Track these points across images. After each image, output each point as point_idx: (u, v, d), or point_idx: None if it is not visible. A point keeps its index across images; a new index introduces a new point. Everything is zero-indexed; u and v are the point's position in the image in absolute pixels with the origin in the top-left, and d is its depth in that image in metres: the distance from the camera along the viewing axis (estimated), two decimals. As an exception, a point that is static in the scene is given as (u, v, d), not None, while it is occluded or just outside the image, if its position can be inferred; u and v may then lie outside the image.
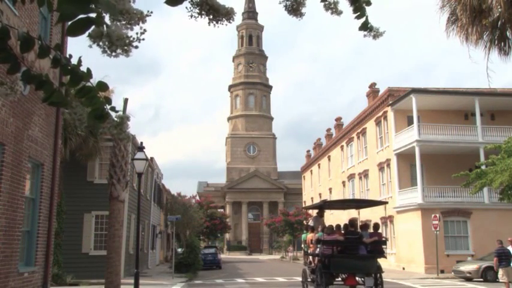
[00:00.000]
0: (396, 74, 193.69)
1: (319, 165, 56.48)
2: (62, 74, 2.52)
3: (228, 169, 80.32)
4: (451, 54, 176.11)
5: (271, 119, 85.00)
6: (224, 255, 58.09)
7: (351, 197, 40.98)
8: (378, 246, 14.99)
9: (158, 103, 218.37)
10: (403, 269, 30.73)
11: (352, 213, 34.85)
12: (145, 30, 1.93)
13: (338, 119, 52.03)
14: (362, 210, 32.86)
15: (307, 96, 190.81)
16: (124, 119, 2.20)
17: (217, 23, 2.32)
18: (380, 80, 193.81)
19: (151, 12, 1.96)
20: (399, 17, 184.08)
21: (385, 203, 21.15)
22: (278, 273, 30.33)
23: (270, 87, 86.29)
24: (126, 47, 1.87)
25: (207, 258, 36.01)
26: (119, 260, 12.65)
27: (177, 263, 28.51)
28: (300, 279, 18.13)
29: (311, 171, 60.79)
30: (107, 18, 1.86)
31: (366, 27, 2.65)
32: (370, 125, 38.45)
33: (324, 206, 18.76)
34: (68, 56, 2.15)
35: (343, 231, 15.38)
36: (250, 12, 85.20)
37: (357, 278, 15.01)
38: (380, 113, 35.69)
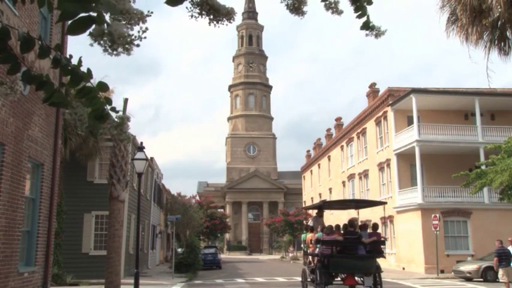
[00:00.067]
0: (396, 74, 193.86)
1: (319, 165, 56.49)
2: (62, 75, 2.52)
3: (228, 169, 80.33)
4: (451, 54, 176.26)
5: (271, 119, 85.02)
6: (224, 255, 58.09)
7: (351, 197, 40.98)
8: (376, 246, 15.04)
9: (158, 103, 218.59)
10: (403, 269, 30.74)
11: (351, 213, 34.81)
12: (147, 29, 1.93)
13: (338, 119, 52.03)
14: (362, 211, 32.62)
15: (307, 96, 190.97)
16: (124, 119, 2.20)
17: (217, 23, 2.32)
18: (380, 80, 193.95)
19: (152, 12, 1.96)
20: (399, 17, 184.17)
21: (384, 203, 21.15)
22: (278, 273, 30.33)
23: (270, 87, 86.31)
24: (127, 46, 1.87)
25: (207, 258, 36.00)
26: (119, 260, 12.65)
27: (177, 263, 28.52)
28: (299, 279, 18.14)
29: (311, 171, 60.80)
30: (107, 17, 1.86)
31: (367, 26, 2.65)
32: (370, 125, 38.45)
33: (323, 206, 18.77)
34: (68, 56, 2.15)
35: (342, 232, 15.41)
36: (250, 12, 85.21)
37: (356, 278, 15.04)
38: (380, 113, 35.69)
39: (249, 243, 73.98)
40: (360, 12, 2.59)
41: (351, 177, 43.31)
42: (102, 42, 1.84)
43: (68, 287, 19.49)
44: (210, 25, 2.31)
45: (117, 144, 13.45)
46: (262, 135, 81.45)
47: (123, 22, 1.88)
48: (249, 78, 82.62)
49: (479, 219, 28.99)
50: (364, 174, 39.62)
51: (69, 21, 1.85)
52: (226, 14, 2.29)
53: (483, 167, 23.41)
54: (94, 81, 2.15)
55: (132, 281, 17.18)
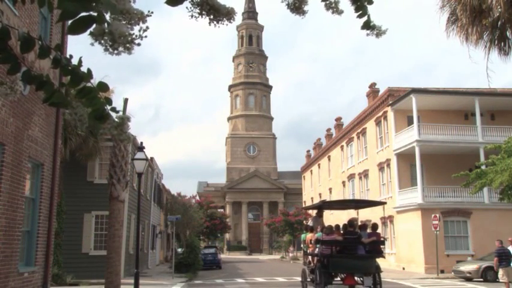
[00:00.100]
0: (396, 74, 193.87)
1: (319, 165, 56.49)
2: (62, 75, 2.52)
3: (228, 169, 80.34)
4: (451, 54, 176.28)
5: (271, 119, 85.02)
6: (224, 255, 58.09)
7: (351, 197, 41.00)
8: (376, 246, 15.08)
9: (158, 103, 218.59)
10: (403, 269, 30.74)
11: (351, 213, 34.85)
12: (147, 27, 1.93)
13: (338, 119, 52.03)
14: (362, 211, 32.78)
15: (307, 96, 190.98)
16: (124, 119, 2.20)
17: (217, 23, 2.31)
18: (380, 80, 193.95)
19: (152, 12, 1.96)
20: (399, 17, 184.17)
21: (384, 203, 21.24)
22: (278, 273, 30.33)
23: (270, 87, 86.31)
24: (128, 45, 1.87)
25: (207, 258, 36.01)
26: (119, 260, 12.65)
27: (177, 263, 28.51)
28: (299, 279, 18.16)
29: (311, 171, 60.80)
30: (107, 16, 1.86)
31: (368, 26, 2.64)
32: (370, 125, 38.45)
33: (323, 206, 18.79)
34: (68, 56, 2.15)
35: (342, 232, 15.43)
36: (250, 12, 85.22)
37: (356, 278, 15.06)
38: (380, 113, 35.69)
39: (249, 243, 73.98)
40: (360, 11, 2.59)
41: (351, 177, 43.31)
42: (103, 41, 1.84)
43: (68, 287, 19.48)
44: (210, 25, 2.30)
45: (117, 144, 13.45)
46: (262, 135, 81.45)
47: (124, 22, 1.88)
48: (249, 78, 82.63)
49: (479, 219, 28.98)
50: (364, 174, 39.62)
51: (70, 21, 1.85)
52: (227, 14, 2.29)
53: (483, 167, 23.41)
54: (94, 81, 2.15)
55: (132, 281, 17.18)
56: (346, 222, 16.66)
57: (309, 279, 16.39)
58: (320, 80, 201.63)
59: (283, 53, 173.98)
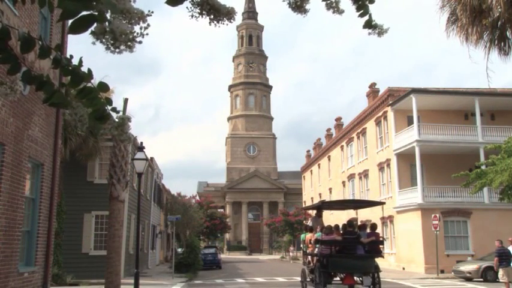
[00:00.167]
0: (396, 74, 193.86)
1: (319, 165, 56.49)
2: (63, 75, 2.52)
3: (228, 169, 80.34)
4: (451, 54, 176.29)
5: (271, 119, 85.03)
6: (224, 255, 58.09)
7: (351, 197, 41.01)
8: (375, 246, 15.16)
9: (158, 103, 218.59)
10: (403, 269, 30.74)
11: (351, 213, 34.86)
12: (148, 25, 1.93)
13: (338, 119, 52.02)
14: (362, 211, 32.86)
15: (307, 96, 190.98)
16: (125, 119, 2.20)
17: (218, 22, 2.31)
18: (380, 80, 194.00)
19: (152, 12, 1.96)
20: (399, 17, 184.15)
21: (383, 203, 21.26)
22: (278, 273, 30.33)
23: (270, 87, 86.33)
24: (129, 43, 1.87)
25: (207, 258, 36.00)
26: (119, 260, 12.64)
27: (177, 263, 28.51)
28: (299, 279, 18.18)
29: (311, 171, 60.80)
30: (108, 15, 1.86)
31: (369, 25, 2.64)
32: (370, 125, 38.45)
33: (322, 206, 18.82)
34: (68, 56, 2.15)
35: (341, 232, 15.47)
36: (250, 12, 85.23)
37: (355, 278, 15.09)
38: (380, 113, 35.69)
39: (249, 243, 73.98)
40: (362, 11, 2.59)
41: (351, 177, 43.31)
42: (104, 40, 1.84)
43: (68, 287, 19.48)
44: (210, 25, 2.30)
45: (117, 144, 13.45)
46: (262, 135, 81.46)
47: (124, 22, 1.87)
48: (249, 78, 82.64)
49: (479, 219, 28.98)
50: (364, 174, 39.62)
51: (70, 20, 1.85)
52: (227, 14, 2.29)
53: (483, 167, 23.41)
54: (94, 81, 2.15)
55: (132, 281, 17.17)
56: (345, 222, 16.71)
57: (308, 279, 16.42)
58: (320, 80, 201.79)
59: (283, 53, 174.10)
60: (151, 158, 34.59)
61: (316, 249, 15.11)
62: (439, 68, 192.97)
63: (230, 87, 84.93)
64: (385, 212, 33.08)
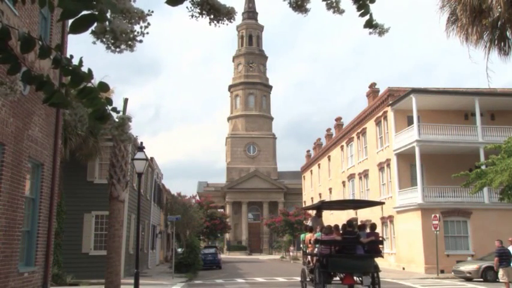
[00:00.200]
0: (396, 74, 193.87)
1: (319, 165, 56.49)
2: (63, 75, 2.52)
3: (228, 169, 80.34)
4: (451, 54, 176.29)
5: (271, 119, 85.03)
6: (224, 255, 58.09)
7: (351, 197, 41.04)
8: (374, 246, 15.22)
9: (158, 103, 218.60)
10: (403, 269, 30.74)
11: (351, 213, 34.86)
12: (149, 24, 1.93)
13: (338, 119, 52.02)
14: (362, 211, 32.90)
15: (307, 96, 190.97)
16: (125, 119, 2.20)
17: (218, 22, 2.31)
18: (380, 80, 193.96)
19: (152, 12, 1.96)
20: (399, 17, 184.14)
21: (382, 203, 21.29)
22: (278, 273, 30.33)
23: (270, 87, 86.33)
24: (130, 42, 1.86)
25: (207, 258, 36.00)
26: (119, 260, 12.65)
27: (177, 263, 28.51)
28: (299, 279, 18.19)
29: (311, 171, 60.80)
30: (108, 14, 1.85)
31: (370, 24, 2.64)
32: (370, 125, 38.45)
33: (321, 206, 18.88)
34: (68, 56, 2.14)
35: (341, 232, 15.50)
36: (250, 12, 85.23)
37: (354, 278, 15.12)
38: (380, 113, 35.69)
39: (249, 243, 73.97)
40: (362, 10, 2.58)
41: (351, 177, 43.31)
42: (104, 39, 1.84)
43: (68, 287, 19.48)
44: (210, 25, 2.30)
45: (117, 144, 13.46)
46: (262, 135, 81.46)
47: (124, 21, 1.87)
48: (249, 78, 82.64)
49: (479, 219, 28.98)
50: (364, 174, 39.62)
51: (71, 20, 1.85)
52: (227, 14, 2.29)
53: (483, 167, 23.41)
54: (94, 81, 2.14)
55: (132, 281, 17.17)
56: (345, 222, 16.74)
57: (308, 279, 16.46)
58: (320, 80, 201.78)
59: (283, 53, 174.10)
60: (151, 158, 34.59)
61: (316, 249, 15.15)
62: (439, 68, 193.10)
63: (230, 87, 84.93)
64: (385, 212, 33.09)
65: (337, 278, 15.52)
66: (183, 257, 30.86)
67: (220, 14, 2.28)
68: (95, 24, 1.83)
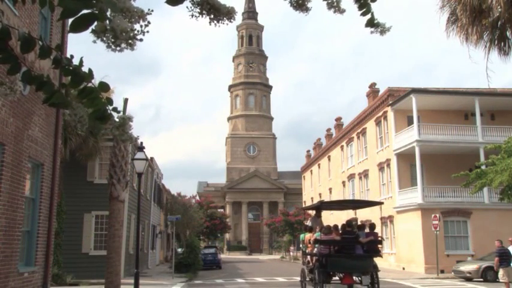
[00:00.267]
0: (396, 74, 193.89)
1: (319, 165, 56.49)
2: (63, 75, 2.52)
3: (228, 169, 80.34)
4: (451, 54, 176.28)
5: (271, 119, 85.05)
6: (224, 255, 58.08)
7: (351, 197, 41.06)
8: (373, 246, 15.31)
9: (158, 103, 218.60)
10: (403, 269, 30.73)
11: (351, 213, 34.86)
12: (149, 23, 1.93)
13: (338, 119, 52.02)
14: (362, 211, 32.89)
15: (307, 96, 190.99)
16: (126, 119, 2.19)
17: (218, 22, 2.31)
18: (380, 80, 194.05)
19: (152, 11, 1.96)
20: (399, 16, 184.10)
21: (381, 203, 21.30)
22: (278, 273, 30.33)
23: (270, 87, 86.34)
24: (130, 41, 1.86)
25: (207, 258, 36.00)
26: (119, 260, 12.65)
27: (177, 263, 28.51)
28: (299, 279, 18.21)
29: (311, 171, 60.80)
30: (108, 13, 1.85)
31: (372, 23, 2.63)
32: (370, 125, 38.45)
33: (321, 206, 18.92)
34: (69, 56, 2.14)
35: (340, 231, 15.55)
36: (250, 12, 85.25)
37: (354, 277, 15.16)
38: (380, 113, 35.69)
39: (249, 243, 73.98)
40: (364, 9, 2.58)
41: (351, 177, 43.31)
42: (105, 38, 1.84)
43: (68, 287, 19.48)
44: (210, 25, 2.30)
45: (117, 144, 13.46)
46: (262, 135, 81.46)
47: (124, 20, 1.87)
48: (249, 78, 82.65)
49: (479, 219, 28.98)
50: (364, 174, 39.62)
51: (71, 19, 1.85)
52: (227, 14, 2.29)
53: (483, 167, 23.40)
54: (94, 81, 2.14)
55: (132, 281, 17.17)
56: (345, 222, 16.79)
57: (308, 279, 16.48)
58: (320, 80, 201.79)
59: (283, 53, 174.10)
60: (151, 158, 34.58)
61: (315, 249, 15.19)
62: (439, 68, 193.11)
63: (230, 87, 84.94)
64: (385, 212, 33.09)
65: (337, 278, 15.58)
66: (183, 257, 30.86)
67: (220, 13, 2.27)
68: (95, 23, 1.83)
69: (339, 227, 15.86)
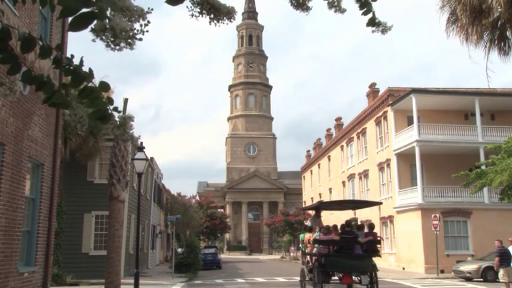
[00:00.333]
0: (396, 74, 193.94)
1: (319, 165, 56.48)
2: (63, 75, 2.52)
3: (228, 169, 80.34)
4: (451, 54, 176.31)
5: (271, 119, 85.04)
6: (224, 255, 58.09)
7: (351, 197, 41.07)
8: (372, 246, 15.36)
9: (158, 103, 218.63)
10: (403, 269, 30.73)
11: (352, 213, 34.88)
12: (148, 22, 1.92)
13: (338, 119, 52.02)
14: (362, 211, 32.91)
15: (307, 96, 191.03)
16: (127, 119, 2.19)
17: (218, 22, 2.31)
18: (380, 80, 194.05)
19: (152, 9, 1.96)
20: (399, 16, 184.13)
21: (380, 203, 21.30)
22: (278, 273, 30.33)
23: (270, 87, 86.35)
24: (130, 40, 1.86)
25: (207, 258, 36.00)
26: (119, 260, 12.65)
27: (177, 263, 28.51)
28: (299, 279, 18.23)
29: (311, 171, 60.79)
30: (108, 12, 1.85)
31: (373, 22, 2.63)
32: (370, 125, 38.44)
33: (320, 206, 18.96)
34: (69, 56, 2.14)
35: (339, 231, 15.59)
36: (250, 12, 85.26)
37: (353, 277, 15.19)
38: (380, 113, 35.69)
39: (249, 243, 73.99)
40: (365, 9, 2.58)
41: (351, 177, 43.31)
42: (104, 37, 1.83)
43: (68, 287, 19.48)
44: (210, 24, 2.30)
45: (117, 144, 13.46)
46: (262, 135, 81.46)
47: (124, 19, 1.87)
48: (249, 78, 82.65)
49: (479, 219, 28.98)
50: (364, 174, 39.62)
51: (71, 18, 1.85)
52: (227, 13, 2.28)
53: (483, 167, 23.40)
54: (94, 81, 2.14)
55: (132, 281, 17.17)
56: (344, 222, 16.84)
57: (307, 279, 16.53)
58: (320, 80, 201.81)
59: (283, 53, 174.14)
60: (151, 158, 34.58)
61: (315, 249, 15.24)
62: (439, 68, 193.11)
63: (230, 87, 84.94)
64: (385, 212, 33.09)
65: (336, 278, 15.63)
66: (183, 257, 30.86)
67: (220, 13, 2.27)
68: (95, 21, 1.83)
69: (338, 227, 15.94)
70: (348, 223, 16.45)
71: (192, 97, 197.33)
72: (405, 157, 31.70)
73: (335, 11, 2.60)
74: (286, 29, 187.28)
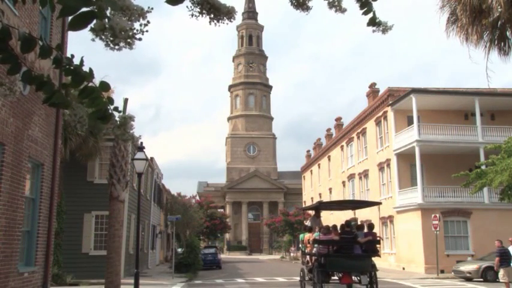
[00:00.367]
0: (396, 74, 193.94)
1: (319, 165, 56.49)
2: (64, 75, 2.52)
3: (228, 169, 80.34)
4: (451, 54, 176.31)
5: (271, 119, 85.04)
6: (224, 255, 58.09)
7: (351, 197, 41.07)
8: (372, 246, 15.39)
9: (158, 103, 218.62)
10: (403, 269, 30.73)
11: (352, 213, 34.86)
12: (148, 22, 1.92)
13: (338, 119, 52.02)
14: (362, 211, 32.89)
15: (307, 96, 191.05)
16: (127, 119, 2.19)
17: (218, 22, 2.31)
18: (380, 80, 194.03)
19: (152, 9, 1.96)
20: (399, 16, 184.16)
21: (379, 203, 21.32)
22: (278, 273, 30.33)
23: (270, 87, 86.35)
24: (129, 40, 1.86)
25: (207, 258, 36.00)
26: (119, 260, 12.65)
27: (177, 263, 28.51)
28: (299, 279, 18.24)
29: (311, 171, 60.80)
30: (108, 12, 1.85)
31: (374, 22, 2.63)
32: (370, 125, 38.45)
33: (319, 207, 18.96)
34: (69, 56, 2.14)
35: (339, 231, 15.61)
36: (250, 12, 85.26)
37: (352, 277, 15.21)
38: (380, 113, 35.69)
39: (249, 243, 73.99)
40: (365, 8, 2.58)
41: (351, 177, 43.31)
42: (103, 37, 1.83)
43: (68, 287, 19.48)
44: (210, 24, 2.30)
45: (117, 144, 13.47)
46: (262, 135, 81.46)
47: (124, 19, 1.87)
48: (249, 78, 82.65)
49: (479, 219, 28.98)
50: (364, 174, 39.62)
51: (70, 17, 1.85)
52: (227, 13, 2.28)
53: (483, 167, 23.41)
54: (94, 81, 2.14)
55: (132, 281, 17.17)
56: (344, 222, 16.85)
57: (307, 279, 16.54)
58: (320, 80, 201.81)
59: (283, 53, 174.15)
60: (151, 158, 34.58)
61: (315, 249, 15.25)
62: (439, 68, 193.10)
63: (230, 87, 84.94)
64: (385, 212, 33.09)
65: (336, 278, 15.65)
66: (183, 257, 30.86)
67: (220, 13, 2.27)
68: (94, 21, 1.83)
69: (338, 227, 15.95)
70: (348, 223, 16.46)
71: (192, 97, 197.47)
72: (405, 157, 31.70)
73: (335, 11, 2.60)
74: (286, 29, 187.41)
